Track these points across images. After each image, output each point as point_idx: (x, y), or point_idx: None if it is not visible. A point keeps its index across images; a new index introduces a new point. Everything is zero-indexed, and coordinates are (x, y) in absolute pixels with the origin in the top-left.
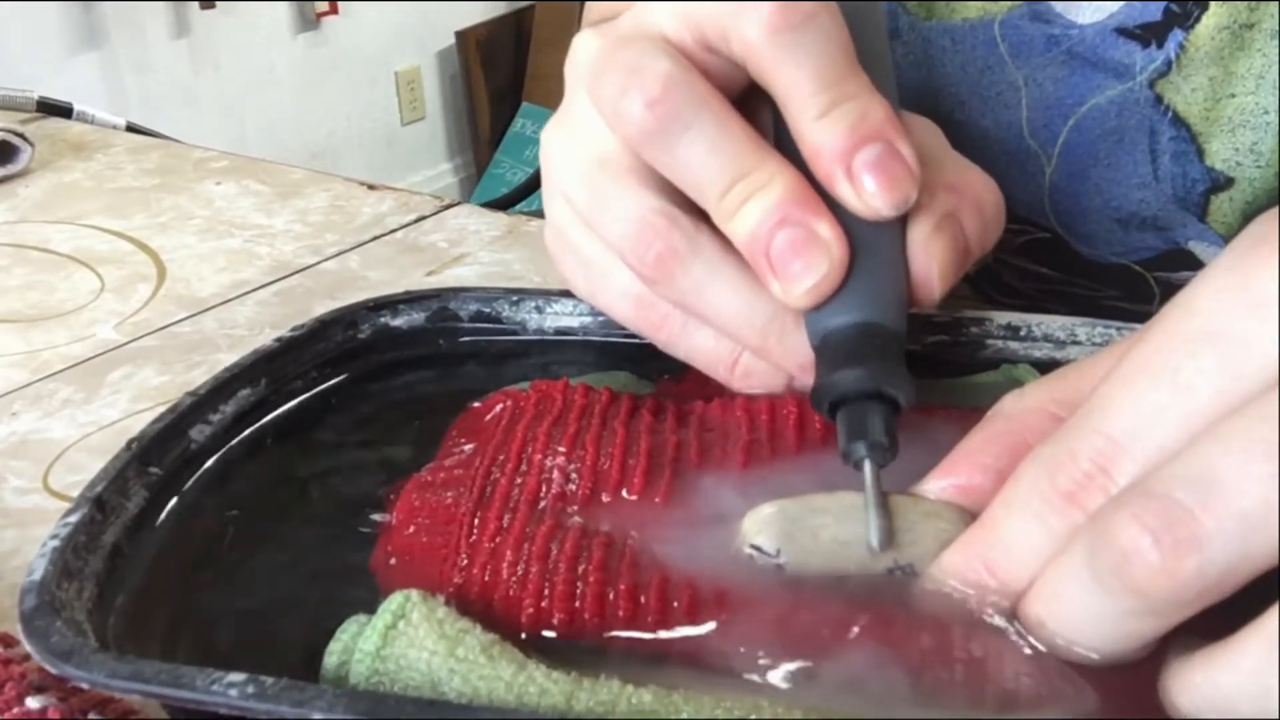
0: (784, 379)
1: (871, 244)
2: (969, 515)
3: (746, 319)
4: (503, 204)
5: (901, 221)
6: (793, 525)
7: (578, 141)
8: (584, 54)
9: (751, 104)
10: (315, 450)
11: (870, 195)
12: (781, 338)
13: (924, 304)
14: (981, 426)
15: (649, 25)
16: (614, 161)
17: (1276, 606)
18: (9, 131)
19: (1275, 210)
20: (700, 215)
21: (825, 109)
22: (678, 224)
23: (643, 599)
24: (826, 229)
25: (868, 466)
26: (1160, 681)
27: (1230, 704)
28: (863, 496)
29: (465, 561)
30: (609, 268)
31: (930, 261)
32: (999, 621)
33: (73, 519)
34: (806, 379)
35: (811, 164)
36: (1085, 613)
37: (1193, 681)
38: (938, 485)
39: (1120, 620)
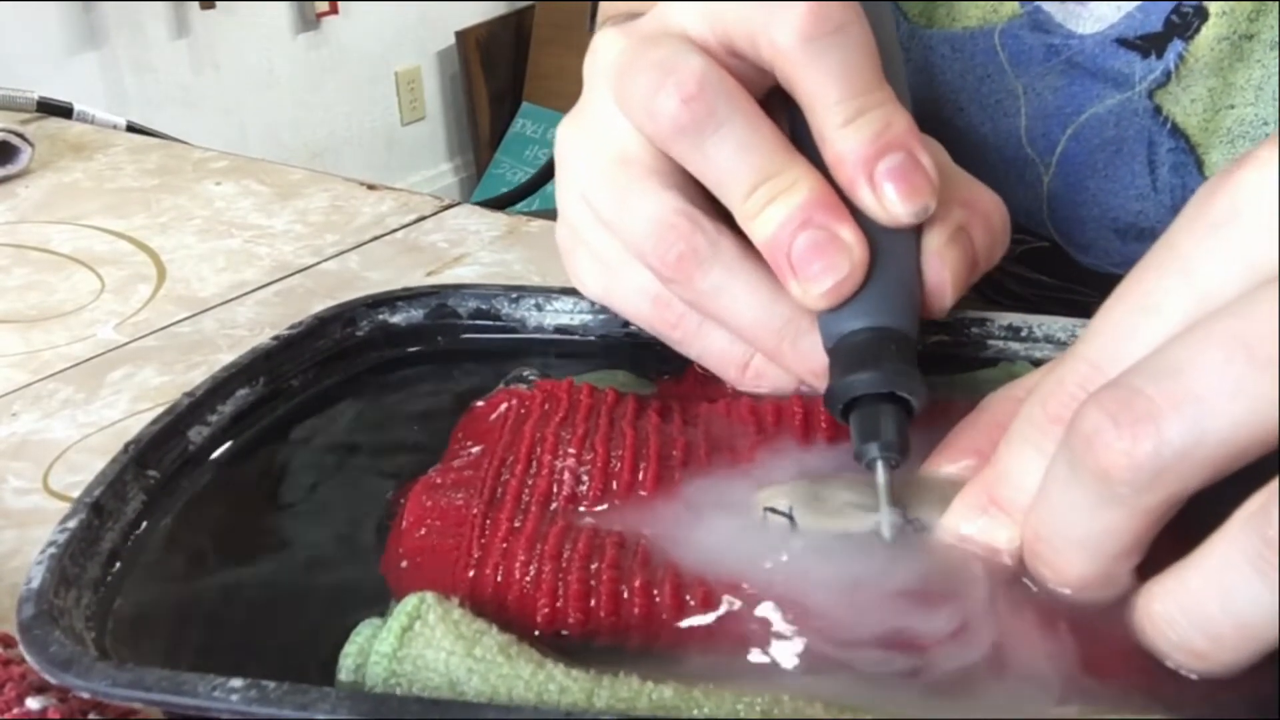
0: (793, 383)
1: (887, 251)
2: None
3: (762, 322)
4: (501, 203)
5: (916, 231)
6: (805, 490)
7: (597, 140)
8: (607, 53)
9: (768, 111)
10: (316, 450)
11: (891, 202)
12: (795, 342)
13: (935, 313)
14: (964, 421)
15: (673, 26)
16: (635, 161)
17: (1238, 515)
18: (9, 131)
19: (1255, 147)
20: (720, 218)
21: (851, 116)
22: (700, 226)
23: (657, 595)
24: (848, 233)
25: (880, 466)
26: (1134, 607)
27: (1199, 603)
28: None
29: (478, 562)
30: (626, 267)
31: (944, 271)
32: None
33: (70, 525)
34: (816, 385)
35: (834, 170)
36: (1065, 510)
37: (1165, 587)
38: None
39: (1093, 513)
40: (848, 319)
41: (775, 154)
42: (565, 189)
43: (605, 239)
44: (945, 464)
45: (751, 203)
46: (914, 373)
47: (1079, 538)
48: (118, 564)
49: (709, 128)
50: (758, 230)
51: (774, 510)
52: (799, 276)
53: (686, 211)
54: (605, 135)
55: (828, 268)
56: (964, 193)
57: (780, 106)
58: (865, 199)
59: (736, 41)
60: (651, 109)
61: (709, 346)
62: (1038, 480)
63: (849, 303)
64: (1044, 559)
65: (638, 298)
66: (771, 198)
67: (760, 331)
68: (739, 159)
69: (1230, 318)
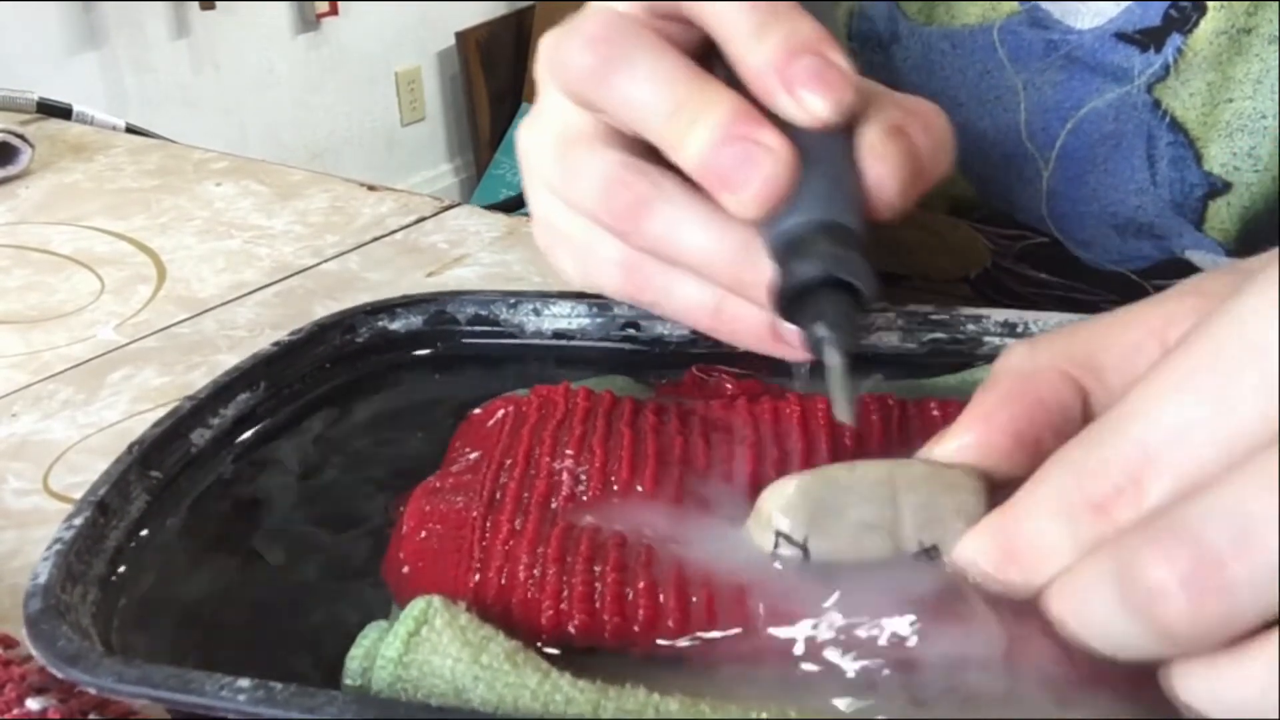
0: (765, 322)
1: (818, 153)
2: (987, 482)
3: (716, 254)
4: (506, 207)
5: (847, 134)
6: (818, 508)
7: (547, 127)
8: (545, 43)
9: (707, 69)
10: (316, 455)
11: (809, 102)
12: (754, 270)
13: (883, 211)
14: (993, 384)
15: (604, 6)
16: (579, 132)
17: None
18: (9, 132)
19: None
20: (663, 165)
21: (756, 30)
22: (643, 173)
23: (662, 597)
24: (770, 137)
25: (829, 348)
26: (1162, 674)
27: (1228, 710)
28: (885, 469)
29: (480, 565)
30: (592, 240)
31: (883, 164)
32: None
33: (76, 522)
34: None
35: (752, 87)
36: (1108, 629)
37: (1194, 687)
38: (954, 444)
39: (1142, 643)
40: (785, 219)
41: (688, 79)
42: (532, 187)
43: (569, 218)
44: (970, 436)
45: (672, 130)
46: (859, 260)
47: (1112, 644)
48: (122, 562)
49: (617, 64)
50: (685, 156)
51: (785, 537)
52: (729, 188)
53: (628, 163)
54: (551, 119)
55: (754, 172)
56: (900, 100)
57: (720, 65)
58: (785, 106)
59: (658, 4)
60: (563, 61)
61: (679, 299)
62: (1063, 556)
63: (785, 207)
64: (1065, 630)
65: (610, 268)
66: (692, 120)
67: (716, 263)
68: (652, 91)
69: None
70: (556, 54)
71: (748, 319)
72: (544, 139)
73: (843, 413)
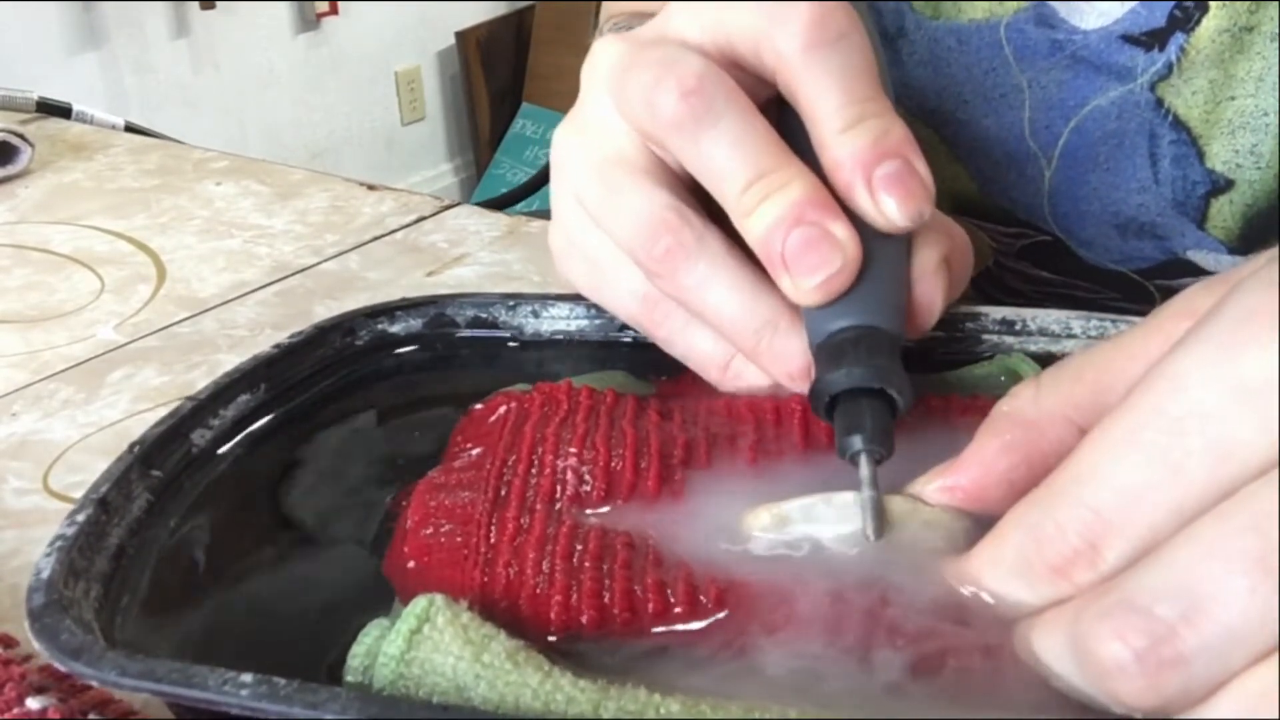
0: (771, 388)
1: (878, 257)
2: (969, 524)
3: (742, 320)
4: (500, 204)
5: (905, 242)
6: (791, 541)
7: (592, 142)
8: (606, 57)
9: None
10: (316, 455)
11: (888, 207)
12: (773, 342)
13: (920, 331)
14: (996, 427)
15: (671, 35)
16: (629, 160)
17: (1244, 675)
18: (9, 132)
19: (1273, 274)
20: (709, 216)
21: (850, 123)
22: (688, 221)
23: (670, 594)
24: (841, 230)
25: (863, 461)
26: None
27: None
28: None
29: (488, 561)
30: (617, 266)
31: (936, 292)
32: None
33: (78, 519)
34: (790, 387)
35: (831, 174)
36: (1072, 689)
37: None
38: (947, 482)
39: (1106, 705)
40: (836, 317)
41: (770, 152)
42: (559, 191)
43: (597, 240)
44: (963, 478)
45: (746, 199)
46: (899, 370)
47: (1063, 680)
48: (124, 559)
49: (707, 123)
50: (752, 226)
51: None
52: (791, 271)
53: (675, 207)
54: (600, 136)
55: (820, 263)
56: (946, 224)
57: (772, 119)
58: (862, 203)
59: (738, 48)
60: (651, 102)
61: (693, 345)
62: (1022, 609)
63: (838, 302)
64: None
65: (628, 298)
66: (766, 194)
67: (739, 329)
68: (735, 155)
69: (1252, 534)
70: (643, 93)
71: (754, 381)
72: (586, 152)
73: (871, 526)
